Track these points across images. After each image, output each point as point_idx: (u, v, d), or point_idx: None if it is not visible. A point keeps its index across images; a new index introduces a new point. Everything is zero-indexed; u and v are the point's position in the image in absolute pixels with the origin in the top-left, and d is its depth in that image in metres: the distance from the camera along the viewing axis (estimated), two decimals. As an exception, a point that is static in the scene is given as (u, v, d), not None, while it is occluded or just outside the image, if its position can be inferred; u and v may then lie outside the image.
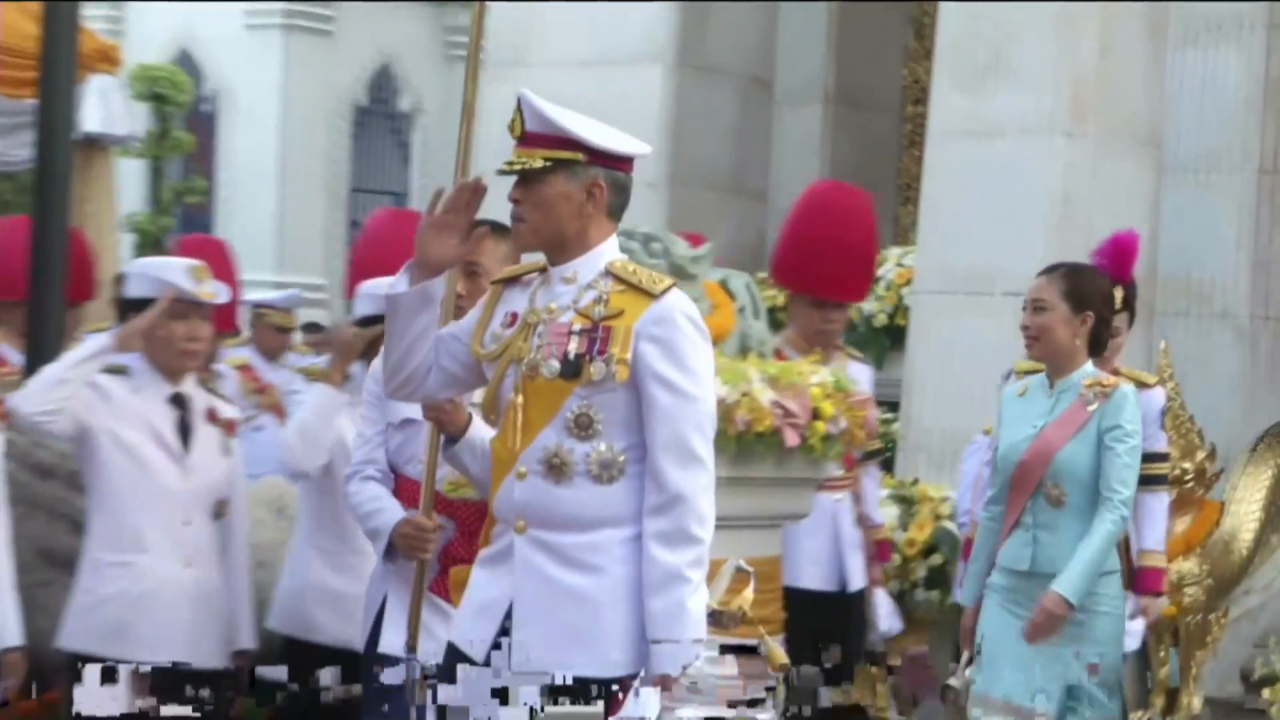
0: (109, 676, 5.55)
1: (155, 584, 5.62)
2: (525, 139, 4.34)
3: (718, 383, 5.89)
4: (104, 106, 10.57)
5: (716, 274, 6.39)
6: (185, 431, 5.69)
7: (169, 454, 5.66)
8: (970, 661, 5.91)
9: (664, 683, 4.20)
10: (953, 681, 5.94)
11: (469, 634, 4.40)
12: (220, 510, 5.73)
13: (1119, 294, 6.31)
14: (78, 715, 5.64)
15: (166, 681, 5.53)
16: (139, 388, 5.70)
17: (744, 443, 5.95)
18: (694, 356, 4.28)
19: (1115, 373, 6.36)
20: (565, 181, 4.31)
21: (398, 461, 5.36)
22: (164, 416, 5.68)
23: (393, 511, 5.23)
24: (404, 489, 5.30)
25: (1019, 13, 8.81)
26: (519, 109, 4.35)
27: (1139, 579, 6.39)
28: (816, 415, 6.09)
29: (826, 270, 6.93)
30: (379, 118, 27.25)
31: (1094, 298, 5.85)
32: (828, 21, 11.26)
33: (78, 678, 5.64)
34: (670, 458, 4.23)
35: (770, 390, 5.99)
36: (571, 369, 4.27)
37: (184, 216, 23.68)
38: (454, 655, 4.40)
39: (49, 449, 6.30)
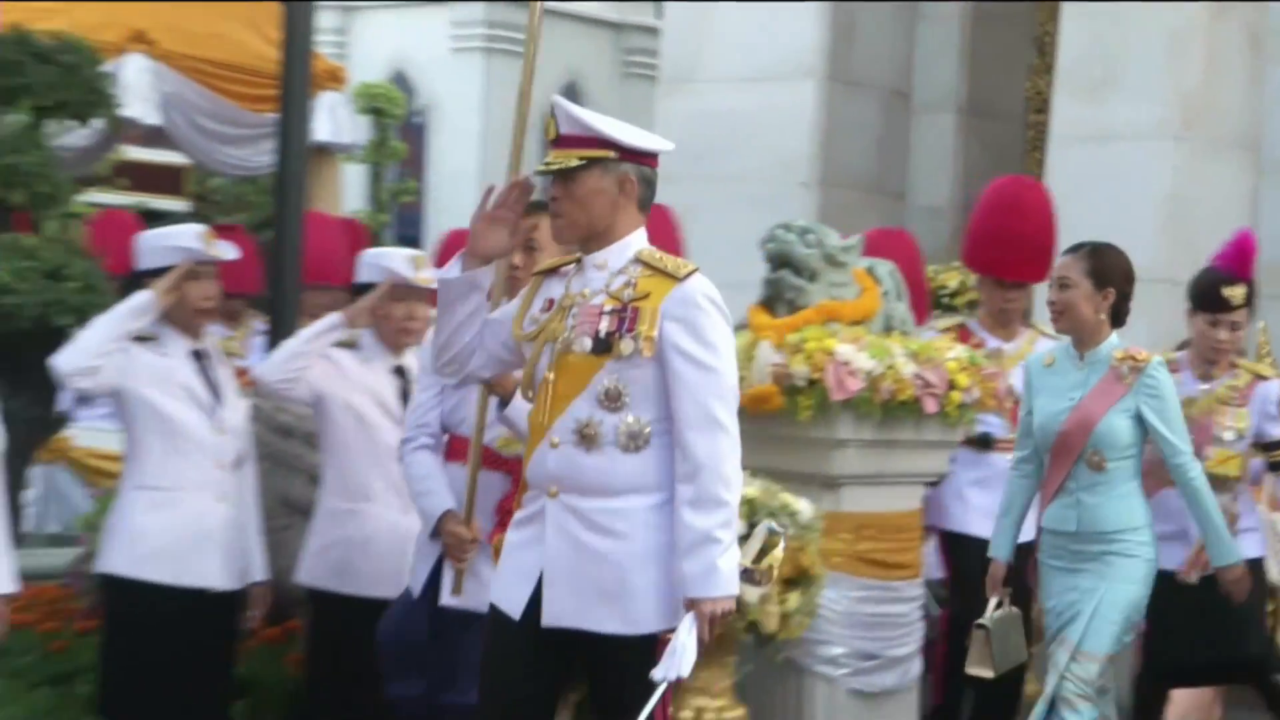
0: (339, 608, 5.65)
1: (378, 529, 5.66)
2: (560, 141, 4.23)
3: (865, 356, 5.87)
4: (332, 120, 10.72)
5: (864, 262, 6.36)
6: (406, 398, 5.72)
7: (391, 417, 5.69)
8: (999, 605, 5.77)
9: (699, 638, 4.04)
10: (984, 621, 5.79)
11: (509, 595, 4.25)
12: (434, 466, 5.79)
13: (1242, 291, 6.10)
14: (315, 642, 5.77)
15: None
16: (367, 359, 5.76)
17: (888, 410, 5.91)
18: (714, 333, 4.12)
19: (1233, 365, 6.20)
20: (599, 177, 4.18)
21: (451, 423, 5.18)
22: (387, 384, 5.74)
23: (439, 497, 5.08)
24: (456, 446, 5.15)
25: (1132, 30, 8.68)
26: (553, 114, 4.25)
27: None
28: (953, 386, 6.04)
29: (1005, 255, 6.88)
30: (566, 128, 27.32)
31: (1115, 275, 5.57)
32: (959, 40, 11.13)
33: (313, 609, 5.77)
34: (695, 427, 4.07)
35: (912, 364, 5.95)
36: (602, 346, 4.12)
37: (399, 214, 23.95)
38: (496, 615, 4.27)
39: (289, 412, 6.38)
